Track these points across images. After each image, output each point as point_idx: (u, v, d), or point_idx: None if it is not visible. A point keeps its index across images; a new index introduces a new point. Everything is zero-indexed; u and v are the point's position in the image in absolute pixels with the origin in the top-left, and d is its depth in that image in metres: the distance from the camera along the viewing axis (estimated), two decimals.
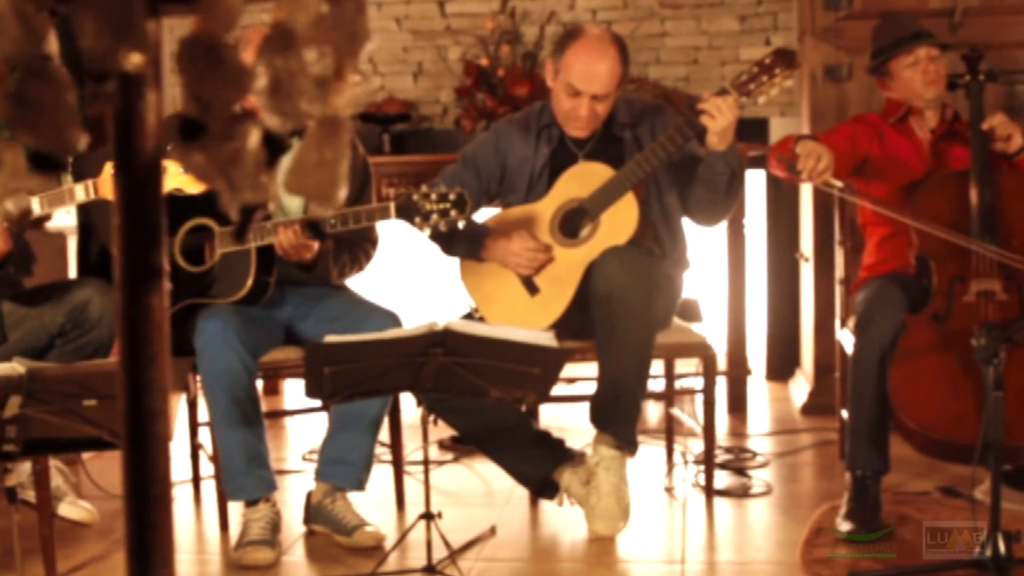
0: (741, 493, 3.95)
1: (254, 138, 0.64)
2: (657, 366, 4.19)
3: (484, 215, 3.85)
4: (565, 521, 3.66)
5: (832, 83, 4.71)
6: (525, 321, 3.55)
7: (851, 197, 3.68)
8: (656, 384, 4.52)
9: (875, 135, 3.85)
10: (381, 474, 4.01)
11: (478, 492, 4.06)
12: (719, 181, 3.50)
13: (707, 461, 3.84)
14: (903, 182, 3.79)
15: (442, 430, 3.93)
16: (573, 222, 3.62)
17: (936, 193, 3.67)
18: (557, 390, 4.87)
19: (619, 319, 3.40)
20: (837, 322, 4.10)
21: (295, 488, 4.12)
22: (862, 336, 3.52)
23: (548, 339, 3.05)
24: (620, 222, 3.52)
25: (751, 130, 5.48)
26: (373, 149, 5.45)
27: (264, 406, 5.27)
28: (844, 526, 3.42)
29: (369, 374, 3.00)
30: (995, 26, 4.61)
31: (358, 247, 3.72)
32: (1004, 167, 3.69)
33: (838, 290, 4.06)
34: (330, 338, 2.95)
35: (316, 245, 3.46)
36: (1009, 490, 3.72)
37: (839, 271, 4.05)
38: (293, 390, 5.53)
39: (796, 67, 3.48)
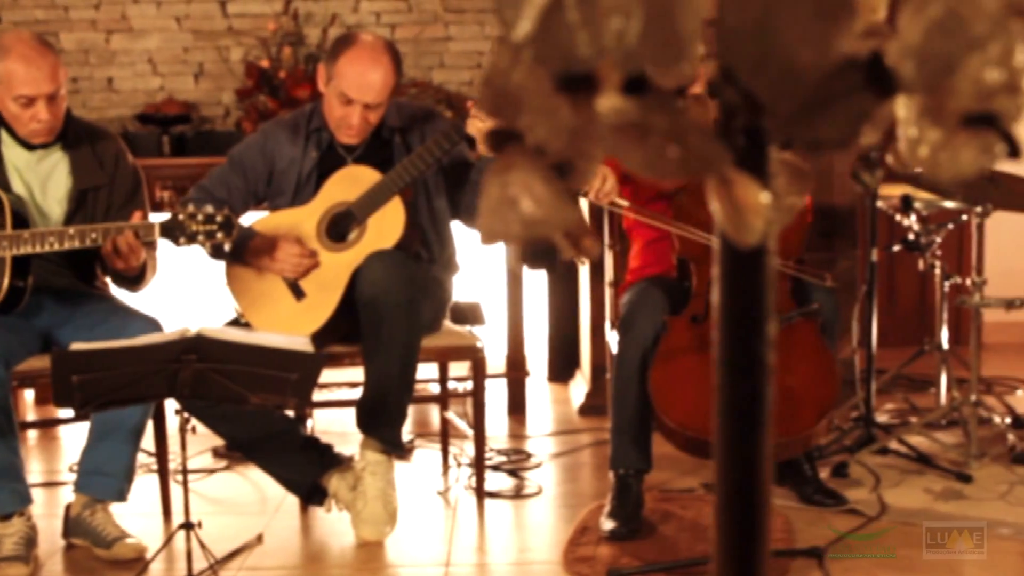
0: (513, 495, 3.98)
1: None
2: (432, 370, 4.22)
3: (251, 218, 3.80)
4: (334, 527, 3.64)
5: None
6: (291, 326, 3.52)
7: (639, 216, 3.75)
8: (434, 387, 4.54)
9: None
10: (148, 484, 3.92)
11: (250, 500, 4.00)
12: None
13: (478, 463, 3.87)
14: (668, 188, 3.88)
15: (216, 437, 3.86)
16: (340, 226, 3.60)
17: (698, 196, 3.77)
18: (341, 395, 4.88)
19: (383, 323, 3.40)
20: (607, 324, 4.18)
21: (65, 500, 3.99)
22: (624, 337, 3.60)
23: (304, 344, 3.02)
24: (387, 226, 3.52)
25: None
26: (152, 151, 5.33)
27: (35, 415, 5.17)
28: (607, 524, 3.48)
29: (120, 382, 2.93)
30: None
31: (153, 249, 3.63)
32: None
33: (608, 293, 4.13)
34: (76, 345, 2.86)
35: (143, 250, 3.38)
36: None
37: (608, 274, 4.13)
38: None
39: None
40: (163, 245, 3.61)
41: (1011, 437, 4.02)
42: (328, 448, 3.66)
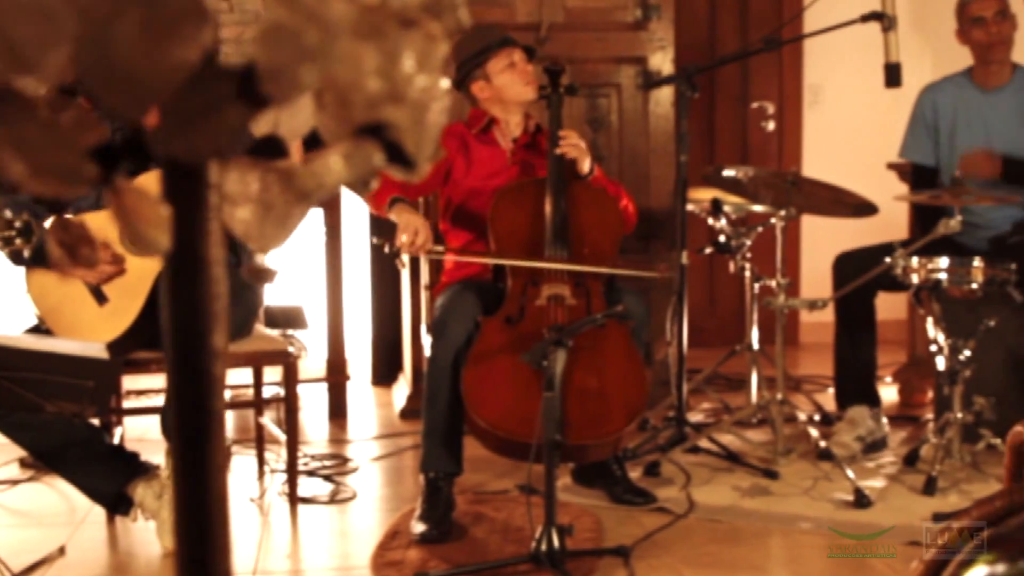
0: (328, 500, 3.95)
1: None
2: (246, 375, 4.17)
3: None
4: (141, 537, 3.56)
5: None
6: (94, 332, 3.43)
7: (460, 258, 3.77)
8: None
9: (461, 145, 3.92)
10: None
11: (55, 511, 3.89)
12: None
13: (290, 469, 3.83)
14: (487, 189, 3.89)
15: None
16: None
17: (514, 199, 3.80)
18: (158, 401, 4.77)
19: None
20: (423, 327, 4.18)
21: None
22: (437, 340, 3.60)
23: (98, 351, 2.95)
24: None
25: None
26: None
27: None
28: (417, 528, 3.48)
29: None
30: (579, 42, 4.82)
31: None
32: (579, 180, 3.87)
33: (424, 296, 4.14)
34: None
35: None
36: (579, 486, 3.91)
37: (424, 277, 4.13)
38: None
39: None
40: None
41: (815, 434, 4.13)
42: (134, 456, 3.58)
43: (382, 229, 3.83)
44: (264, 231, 0.67)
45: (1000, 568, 0.89)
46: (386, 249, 3.63)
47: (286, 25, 0.58)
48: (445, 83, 0.65)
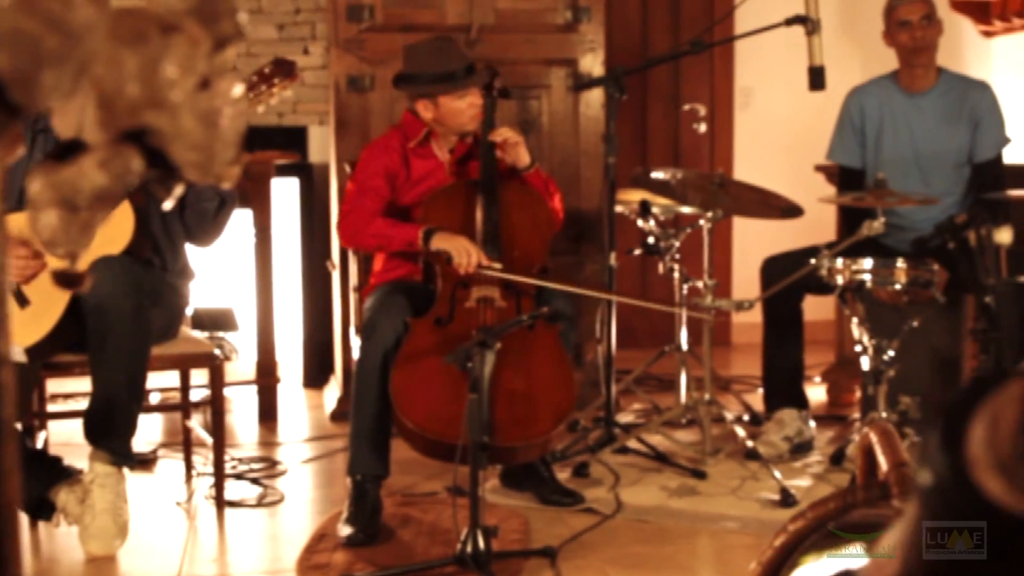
0: (256, 503, 3.93)
1: None
2: (173, 377, 4.13)
3: None
4: (64, 543, 3.52)
5: (355, 93, 4.78)
6: (15, 335, 3.38)
7: (507, 277, 3.73)
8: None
9: (402, 159, 3.87)
10: None
11: None
12: (207, 208, 3.51)
13: (217, 472, 3.80)
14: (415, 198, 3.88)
15: None
16: None
17: (445, 201, 3.79)
18: (84, 405, 4.72)
19: (110, 330, 3.31)
20: (352, 329, 4.17)
21: None
22: (366, 342, 3.59)
23: (15, 354, 2.91)
24: (114, 231, 3.42)
25: (290, 139, 5.50)
26: None
27: None
28: (344, 531, 3.47)
29: None
30: (509, 44, 4.83)
31: None
32: (510, 181, 3.86)
33: (352, 297, 4.13)
34: None
35: None
36: (507, 489, 3.92)
37: (353, 279, 4.12)
38: None
39: (295, 77, 3.49)
40: None
41: (742, 434, 4.16)
42: (56, 461, 3.54)
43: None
44: (70, 236, 0.67)
45: (818, 564, 0.91)
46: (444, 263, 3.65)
47: (25, 31, 0.58)
48: (238, 89, 0.64)
